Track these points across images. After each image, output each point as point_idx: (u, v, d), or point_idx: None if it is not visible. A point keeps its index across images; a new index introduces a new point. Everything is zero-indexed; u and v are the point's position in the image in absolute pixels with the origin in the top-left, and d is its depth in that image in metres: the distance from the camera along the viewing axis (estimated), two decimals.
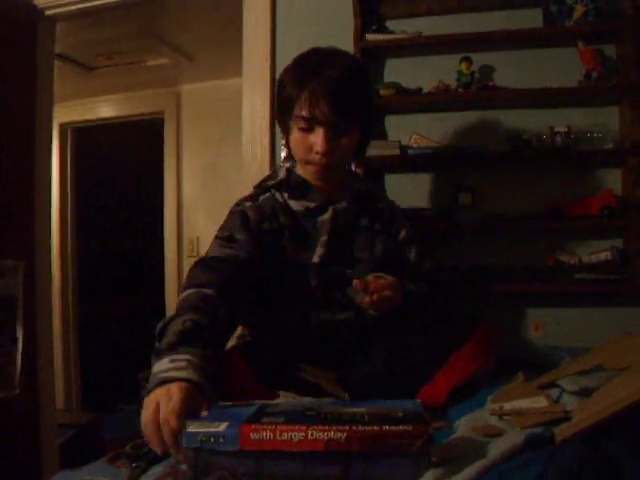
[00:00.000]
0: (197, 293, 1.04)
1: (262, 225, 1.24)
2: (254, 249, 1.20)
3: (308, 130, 1.19)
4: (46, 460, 2.06)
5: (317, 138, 1.18)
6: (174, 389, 0.82)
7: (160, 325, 0.97)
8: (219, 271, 1.12)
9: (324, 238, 1.25)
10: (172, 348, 0.90)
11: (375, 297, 1.14)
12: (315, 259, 1.23)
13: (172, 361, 0.88)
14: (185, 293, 1.06)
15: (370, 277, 1.17)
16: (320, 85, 1.14)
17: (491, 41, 1.73)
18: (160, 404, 0.80)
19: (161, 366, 0.88)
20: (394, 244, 1.35)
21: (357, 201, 1.32)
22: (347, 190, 1.33)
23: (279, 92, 1.26)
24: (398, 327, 1.23)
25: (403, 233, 1.37)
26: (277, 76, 1.34)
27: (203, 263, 1.16)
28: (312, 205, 1.28)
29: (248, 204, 1.28)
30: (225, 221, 1.28)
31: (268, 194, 1.30)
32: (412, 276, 1.32)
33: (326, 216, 1.27)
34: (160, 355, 0.90)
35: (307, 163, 1.25)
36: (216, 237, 1.25)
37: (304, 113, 1.17)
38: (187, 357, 0.88)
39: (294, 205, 1.28)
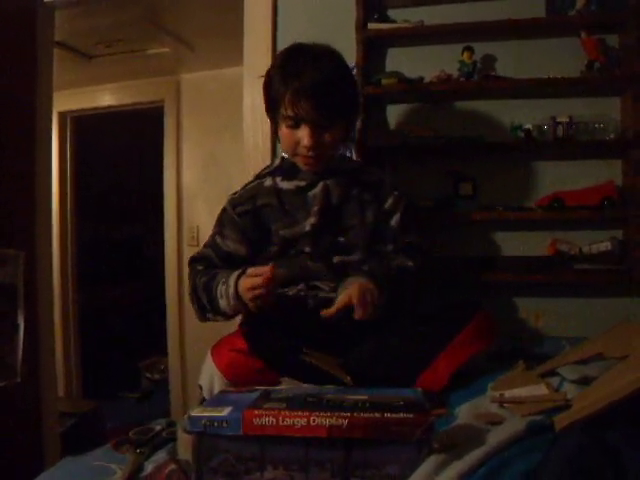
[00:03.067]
0: (195, 270, 1.35)
1: (235, 211, 1.36)
2: (222, 243, 1.36)
3: (294, 127, 1.28)
4: (48, 448, 2.07)
5: (303, 134, 1.28)
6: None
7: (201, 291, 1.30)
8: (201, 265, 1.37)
9: (315, 208, 1.33)
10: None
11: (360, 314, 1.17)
12: (307, 228, 1.31)
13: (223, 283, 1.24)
14: (192, 284, 1.33)
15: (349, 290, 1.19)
16: (302, 86, 1.23)
17: (493, 31, 1.73)
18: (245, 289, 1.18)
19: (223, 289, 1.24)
20: (383, 213, 1.39)
21: (347, 175, 1.39)
22: (336, 169, 1.39)
23: (267, 90, 1.34)
24: (398, 312, 1.24)
25: (390, 201, 1.41)
26: None
27: (190, 263, 1.40)
28: (302, 183, 1.36)
29: (229, 197, 1.41)
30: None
31: (256, 182, 1.41)
32: (394, 248, 1.38)
33: (316, 190, 1.35)
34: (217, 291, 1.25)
35: (295, 155, 1.34)
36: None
37: (289, 112, 1.26)
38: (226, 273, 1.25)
39: (285, 185, 1.37)
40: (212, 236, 1.39)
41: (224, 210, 1.39)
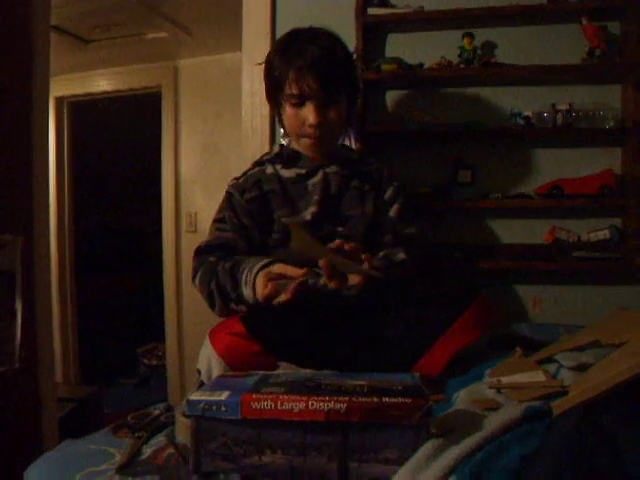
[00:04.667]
0: (209, 262, 1.26)
1: (243, 197, 1.35)
2: (240, 224, 1.33)
3: (299, 105, 1.30)
4: (47, 434, 2.08)
5: (308, 112, 1.29)
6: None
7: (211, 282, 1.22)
8: (214, 254, 1.29)
9: (316, 197, 1.33)
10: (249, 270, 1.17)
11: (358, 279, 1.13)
12: (308, 217, 1.31)
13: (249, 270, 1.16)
14: (200, 271, 1.26)
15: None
16: (305, 62, 1.25)
17: (494, 17, 1.72)
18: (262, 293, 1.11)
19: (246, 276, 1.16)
20: (382, 203, 1.40)
21: (347, 165, 1.39)
22: (337, 157, 1.40)
23: (268, 74, 1.35)
24: (394, 298, 1.24)
25: (389, 192, 1.42)
26: None
27: (199, 253, 1.32)
28: (303, 171, 1.37)
29: (232, 182, 1.40)
30: (220, 203, 1.40)
31: (257, 168, 1.40)
32: (393, 239, 1.37)
33: (316, 179, 1.36)
34: (239, 281, 1.17)
35: (302, 136, 1.35)
36: (213, 221, 1.38)
37: (294, 90, 1.27)
38: (251, 263, 1.17)
39: (285, 173, 1.38)
40: (227, 222, 1.34)
41: (231, 195, 1.37)
